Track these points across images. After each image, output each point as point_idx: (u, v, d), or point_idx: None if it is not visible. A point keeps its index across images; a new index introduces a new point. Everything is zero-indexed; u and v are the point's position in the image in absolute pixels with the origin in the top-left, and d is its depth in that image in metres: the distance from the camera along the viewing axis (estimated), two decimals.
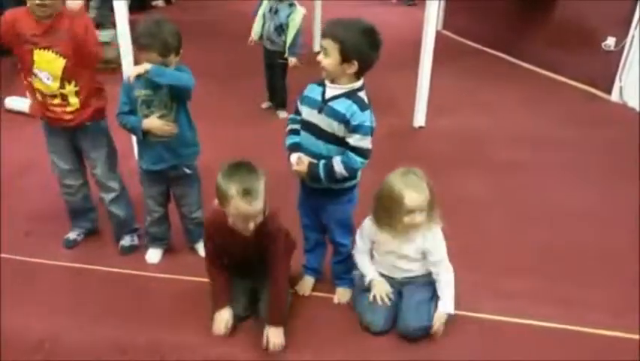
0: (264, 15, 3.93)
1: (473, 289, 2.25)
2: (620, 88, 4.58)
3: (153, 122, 2.15)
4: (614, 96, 4.64)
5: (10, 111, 4.07)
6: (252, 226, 1.84)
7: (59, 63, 2.15)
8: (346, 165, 1.91)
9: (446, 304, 2.02)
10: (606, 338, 2.06)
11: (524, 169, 3.43)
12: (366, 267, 2.14)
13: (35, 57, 2.14)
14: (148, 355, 1.92)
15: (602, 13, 4.66)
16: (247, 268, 2.10)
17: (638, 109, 4.43)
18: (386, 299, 2.05)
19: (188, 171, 2.31)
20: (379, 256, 2.14)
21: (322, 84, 1.98)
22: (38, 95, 2.23)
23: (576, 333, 2.08)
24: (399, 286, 2.11)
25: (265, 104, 4.34)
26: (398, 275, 2.11)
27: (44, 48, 2.13)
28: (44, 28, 2.12)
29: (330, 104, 1.93)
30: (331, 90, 1.94)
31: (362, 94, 1.94)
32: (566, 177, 3.34)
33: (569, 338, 2.06)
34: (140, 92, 2.13)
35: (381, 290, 2.07)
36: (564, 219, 2.86)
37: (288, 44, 3.87)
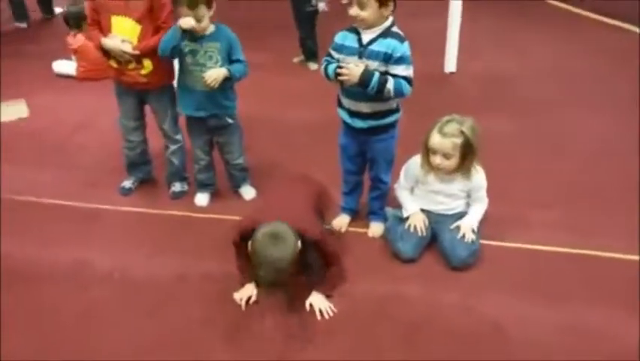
0: None
1: (500, 220, 2.39)
2: None
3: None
4: None
5: (59, 75, 4.33)
6: None
7: (136, 29, 2.33)
8: (396, 87, 2.01)
9: (471, 219, 2.22)
10: (626, 263, 2.17)
11: (554, 107, 3.48)
12: (408, 201, 2.31)
13: (113, 23, 2.33)
14: (203, 282, 2.15)
15: None
16: None
17: None
18: (423, 228, 2.22)
19: (230, 120, 2.49)
20: (423, 194, 2.29)
21: (354, 31, 2.08)
22: (113, 62, 2.41)
23: (600, 259, 2.20)
24: (433, 223, 2.27)
25: (297, 58, 4.43)
26: (438, 209, 2.28)
27: (121, 15, 2.31)
28: None
29: (370, 47, 2.03)
30: (367, 35, 2.04)
31: (395, 29, 2.05)
32: (596, 113, 3.38)
33: (591, 264, 2.18)
34: (186, 43, 2.29)
35: (419, 221, 2.24)
36: (591, 153, 2.94)
37: None
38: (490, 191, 2.32)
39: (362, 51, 2.05)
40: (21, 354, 1.86)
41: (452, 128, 2.09)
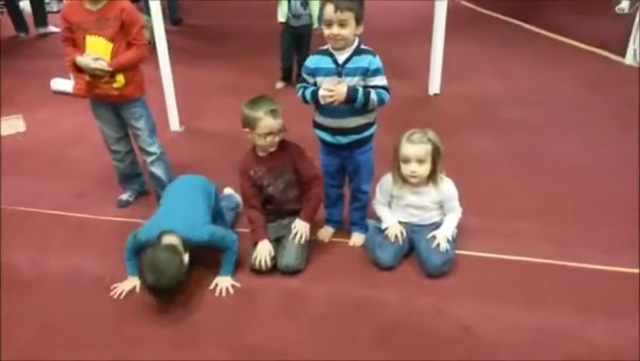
0: None
1: (478, 231, 2.51)
2: (634, 51, 4.69)
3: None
4: (628, 59, 4.75)
5: (56, 92, 4.47)
6: (276, 139, 2.26)
7: (109, 47, 2.47)
8: (379, 96, 2.18)
9: (445, 229, 2.33)
10: (601, 273, 2.27)
11: (535, 128, 3.62)
12: (386, 215, 2.43)
13: (87, 42, 2.46)
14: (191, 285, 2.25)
15: None
16: (277, 206, 2.44)
17: None
18: (399, 237, 2.33)
19: None
20: (399, 208, 2.42)
21: (326, 53, 2.22)
22: (87, 76, 2.54)
23: (573, 269, 2.30)
24: (411, 233, 2.38)
25: (280, 85, 4.51)
26: (414, 221, 2.40)
27: (95, 34, 2.45)
28: (95, 16, 2.44)
29: (347, 65, 2.19)
30: (342, 55, 2.19)
31: (363, 45, 2.22)
32: (576, 134, 3.52)
33: (567, 274, 2.28)
34: None
35: (396, 230, 2.35)
36: (569, 171, 3.07)
37: (317, 14, 4.16)
38: (469, 204, 2.45)
39: (340, 70, 2.19)
40: (19, 353, 1.95)
41: (418, 136, 2.25)
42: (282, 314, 2.10)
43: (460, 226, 2.41)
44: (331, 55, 2.21)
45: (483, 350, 1.91)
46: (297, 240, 2.32)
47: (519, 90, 4.33)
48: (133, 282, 2.23)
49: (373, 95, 2.17)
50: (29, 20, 6.33)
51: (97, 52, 2.46)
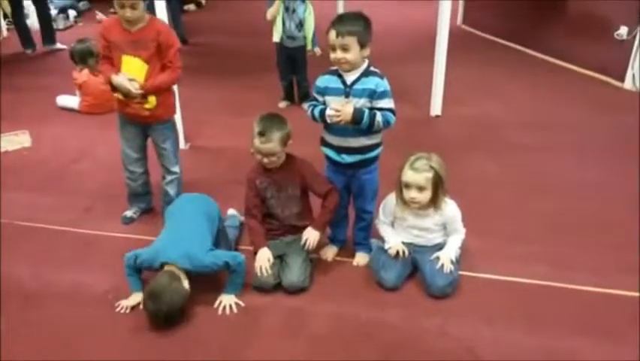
0: (282, 17, 4.20)
1: (480, 253, 2.53)
2: (633, 75, 4.74)
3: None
4: (627, 84, 4.80)
5: (62, 108, 4.51)
6: (265, 160, 2.29)
7: (144, 68, 2.51)
8: (384, 118, 2.22)
9: (449, 250, 2.34)
10: (602, 296, 2.29)
11: (535, 151, 3.65)
12: (389, 234, 2.44)
13: (123, 62, 2.50)
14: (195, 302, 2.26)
15: (614, 3, 4.83)
16: (278, 221, 2.46)
17: None
18: (402, 254, 2.34)
19: None
20: (402, 229, 2.44)
21: (335, 74, 2.27)
22: (119, 95, 2.57)
23: (575, 291, 2.32)
24: (414, 253, 2.39)
25: (283, 104, 4.53)
26: (417, 242, 2.41)
27: (131, 54, 2.49)
28: (132, 36, 2.48)
29: (355, 87, 2.23)
30: (350, 76, 2.24)
31: (372, 68, 2.26)
32: (575, 157, 3.56)
33: (563, 295, 2.30)
34: None
35: (399, 248, 2.36)
36: (569, 193, 3.09)
37: (311, 37, 4.22)
38: (471, 226, 2.46)
39: (348, 91, 2.24)
40: None
41: (421, 163, 2.26)
42: (285, 333, 2.11)
43: (462, 247, 2.43)
44: (340, 75, 2.26)
45: None
46: (305, 246, 2.35)
47: (519, 113, 4.37)
48: (137, 298, 2.24)
49: (379, 117, 2.21)
50: (36, 37, 6.39)
51: (132, 72, 2.50)
